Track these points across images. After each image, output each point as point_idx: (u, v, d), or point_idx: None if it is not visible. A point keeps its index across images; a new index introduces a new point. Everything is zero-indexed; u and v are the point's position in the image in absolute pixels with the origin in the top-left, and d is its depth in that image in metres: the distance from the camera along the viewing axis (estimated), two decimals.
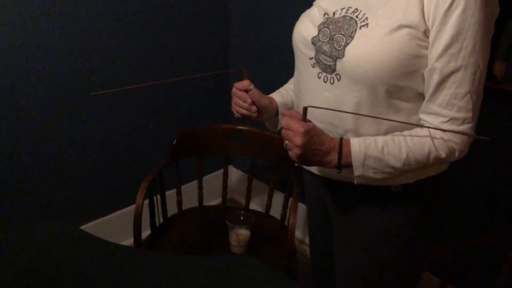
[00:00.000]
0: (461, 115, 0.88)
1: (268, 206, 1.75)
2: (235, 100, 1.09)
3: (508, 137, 1.47)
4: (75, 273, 1.00)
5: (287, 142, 0.91)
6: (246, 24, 2.17)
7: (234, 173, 2.55)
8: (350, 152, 0.90)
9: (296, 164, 0.96)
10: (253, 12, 2.12)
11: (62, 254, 1.06)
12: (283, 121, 0.92)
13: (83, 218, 2.01)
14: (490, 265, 1.39)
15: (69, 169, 1.90)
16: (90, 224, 2.02)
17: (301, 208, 1.57)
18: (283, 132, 0.92)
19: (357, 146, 0.90)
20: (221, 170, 1.82)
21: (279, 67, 2.03)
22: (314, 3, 1.06)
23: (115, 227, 2.07)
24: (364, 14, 0.92)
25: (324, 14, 0.99)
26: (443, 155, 0.90)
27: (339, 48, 0.92)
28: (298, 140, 0.88)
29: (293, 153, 0.91)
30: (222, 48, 2.26)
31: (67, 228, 1.15)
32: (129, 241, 2.00)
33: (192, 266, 1.07)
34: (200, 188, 1.78)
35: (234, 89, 1.09)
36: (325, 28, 0.96)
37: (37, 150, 1.79)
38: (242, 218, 1.55)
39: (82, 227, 1.97)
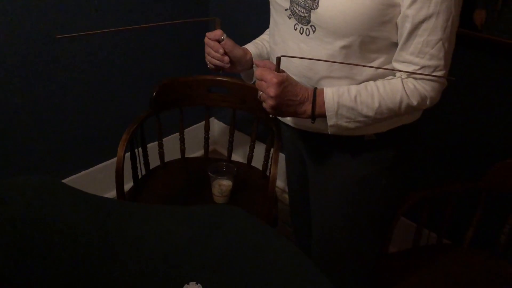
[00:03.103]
0: (433, 62, 0.91)
1: (250, 157, 1.80)
2: (207, 50, 1.10)
3: (487, 85, 1.51)
4: (58, 227, 1.03)
5: (261, 93, 0.94)
6: None
7: (216, 125, 2.58)
8: (323, 101, 0.94)
9: (270, 116, 0.99)
10: None
11: (44, 208, 1.08)
12: (257, 72, 0.94)
13: (64, 172, 2.05)
14: (464, 211, 1.47)
15: (47, 122, 1.92)
16: (71, 177, 2.07)
17: (282, 158, 1.61)
18: (257, 83, 0.94)
19: (331, 95, 0.93)
20: (203, 122, 1.85)
21: (259, 17, 2.01)
22: None
23: (97, 180, 2.11)
24: None
25: None
26: (414, 103, 0.94)
27: None
28: (272, 91, 0.91)
29: (267, 104, 0.93)
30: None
31: (48, 182, 1.17)
32: (111, 194, 2.05)
33: (175, 216, 1.11)
34: (182, 140, 1.81)
35: (206, 39, 1.10)
36: None
37: (12, 103, 1.79)
38: (224, 169, 1.60)
39: (63, 181, 2.00)
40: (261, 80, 0.93)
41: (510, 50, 1.40)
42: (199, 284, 0.88)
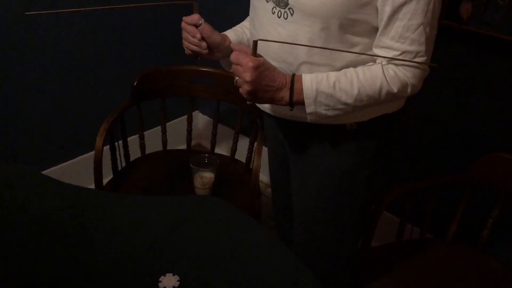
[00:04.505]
0: (413, 48, 0.91)
1: (234, 150, 1.79)
2: (184, 35, 1.09)
3: (472, 78, 1.52)
4: (29, 215, 1.01)
5: (237, 78, 0.92)
6: None
7: (201, 119, 2.57)
8: (302, 88, 0.93)
9: (247, 102, 0.98)
10: None
11: (19, 197, 1.06)
12: (232, 56, 0.93)
13: (42, 164, 2.02)
14: (448, 205, 1.48)
15: (23, 112, 1.89)
16: (49, 170, 2.04)
17: (266, 151, 1.61)
18: (233, 67, 0.93)
19: (309, 82, 0.93)
20: (187, 116, 1.83)
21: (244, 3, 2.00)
22: None
23: (77, 173, 2.08)
24: None
25: None
26: (395, 90, 0.94)
27: None
28: (248, 76, 0.90)
29: (243, 89, 0.93)
30: None
31: (21, 170, 1.15)
32: (91, 187, 2.01)
33: (153, 206, 1.10)
34: (163, 131, 1.80)
35: (183, 23, 1.08)
36: None
37: None
38: (206, 161, 1.59)
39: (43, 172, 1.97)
40: (237, 64, 0.92)
41: (496, 43, 1.42)
42: (176, 276, 0.86)
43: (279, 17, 0.98)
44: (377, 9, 0.91)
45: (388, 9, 0.89)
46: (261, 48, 0.97)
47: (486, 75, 1.49)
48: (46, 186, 1.11)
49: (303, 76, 0.94)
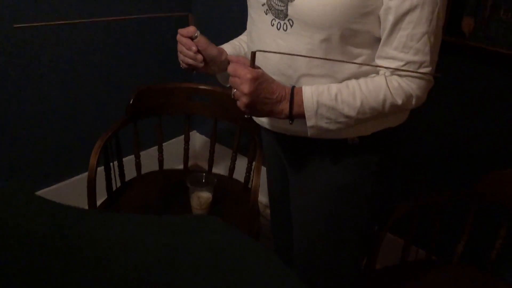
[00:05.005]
0: (418, 58, 0.89)
1: (232, 169, 1.75)
2: (179, 47, 1.07)
3: (476, 93, 1.50)
4: (22, 235, 0.97)
5: (235, 90, 0.90)
6: None
7: (198, 139, 2.54)
8: (302, 100, 0.91)
9: (245, 116, 0.95)
10: None
11: (9, 215, 1.03)
12: (230, 67, 0.90)
13: (34, 186, 1.97)
14: (453, 224, 1.44)
15: (15, 131, 1.85)
16: (42, 191, 1.99)
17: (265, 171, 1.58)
18: (230, 79, 0.91)
19: (309, 94, 0.90)
20: (183, 136, 1.80)
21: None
22: None
23: (70, 195, 2.04)
24: None
25: None
26: (399, 101, 0.91)
27: None
28: (246, 88, 0.87)
29: (241, 102, 0.90)
30: None
31: (11, 187, 1.11)
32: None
33: (147, 225, 1.06)
34: (160, 150, 1.77)
35: (178, 36, 1.06)
36: None
37: None
38: (204, 180, 1.55)
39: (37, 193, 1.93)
40: (235, 76, 0.89)
41: (499, 58, 1.40)
42: None
43: (278, 29, 0.96)
44: (379, 18, 0.89)
45: (391, 18, 0.87)
46: (260, 61, 0.95)
47: (490, 90, 1.47)
48: (30, 202, 1.07)
49: (303, 88, 0.92)
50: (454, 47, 1.45)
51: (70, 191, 2.05)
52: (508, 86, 1.44)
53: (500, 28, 1.39)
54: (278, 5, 0.94)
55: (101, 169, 1.53)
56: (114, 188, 1.65)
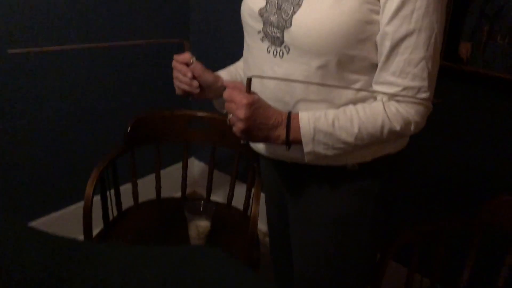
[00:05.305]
0: (416, 83, 0.88)
1: (230, 197, 1.73)
2: (175, 74, 1.07)
3: (474, 118, 1.50)
4: (14, 270, 0.94)
5: (231, 116, 0.89)
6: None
7: (196, 166, 2.52)
8: (298, 126, 0.90)
9: (241, 142, 0.94)
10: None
11: None
12: (225, 93, 0.90)
13: (29, 216, 1.94)
14: (458, 252, 1.41)
15: (11, 160, 1.83)
16: (37, 221, 1.96)
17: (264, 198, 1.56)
18: (226, 105, 0.90)
19: (306, 119, 0.89)
20: (182, 163, 1.79)
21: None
22: None
23: (65, 224, 2.00)
24: None
25: None
26: (397, 127, 0.90)
27: (286, 18, 0.91)
28: (242, 113, 0.86)
29: (237, 127, 0.89)
30: (181, 22, 2.22)
31: (1, 221, 1.09)
32: (80, 239, 1.94)
33: (143, 256, 1.03)
34: (158, 178, 1.74)
35: (173, 62, 1.07)
36: None
37: None
38: (202, 208, 1.53)
39: (30, 225, 1.89)
40: (230, 101, 0.88)
41: (497, 82, 1.40)
42: None
43: (274, 56, 0.96)
44: (376, 44, 0.89)
45: (387, 44, 0.87)
46: (256, 88, 0.94)
47: (490, 115, 1.47)
48: (26, 235, 1.04)
49: (300, 114, 0.91)
50: (452, 72, 1.46)
51: (65, 221, 2.01)
52: (507, 110, 1.43)
53: (497, 53, 1.39)
54: (274, 32, 0.94)
55: (97, 198, 1.51)
56: (110, 218, 1.63)
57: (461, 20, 1.42)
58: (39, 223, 1.94)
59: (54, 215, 2.01)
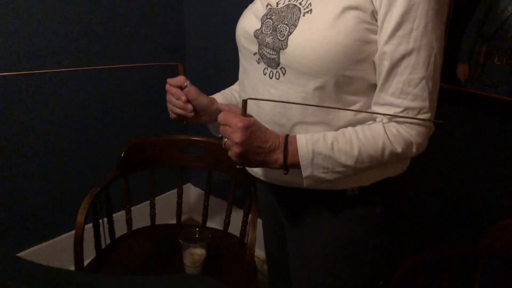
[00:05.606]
0: (416, 104, 0.86)
1: (227, 223, 1.69)
2: (168, 97, 1.05)
3: (474, 140, 1.48)
4: None
5: (226, 139, 0.86)
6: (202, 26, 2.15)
7: (193, 192, 2.49)
8: (296, 149, 0.87)
9: (238, 166, 0.91)
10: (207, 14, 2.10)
11: None
12: (220, 116, 0.87)
13: (19, 245, 1.89)
14: (461, 279, 1.37)
15: (1, 187, 1.78)
16: (27, 251, 1.91)
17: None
18: (221, 128, 0.88)
19: (304, 142, 0.87)
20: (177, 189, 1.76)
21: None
22: None
23: (56, 254, 1.95)
24: (308, 0, 0.89)
25: (267, 6, 0.97)
26: (399, 149, 0.87)
27: (282, 39, 0.90)
28: (237, 137, 0.84)
29: (232, 152, 0.86)
30: (177, 43, 2.22)
31: None
32: (70, 269, 1.88)
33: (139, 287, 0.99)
34: (152, 204, 1.71)
35: (167, 85, 1.05)
36: (268, 20, 0.95)
37: None
38: (197, 235, 1.49)
39: (20, 254, 1.84)
40: (225, 125, 0.86)
41: (495, 104, 1.38)
42: None
43: (271, 78, 0.94)
44: (374, 64, 0.87)
45: (386, 64, 0.85)
46: (252, 111, 0.92)
47: (489, 137, 1.45)
48: (15, 267, 1.00)
49: (297, 136, 0.88)
50: (450, 94, 1.44)
51: (57, 251, 1.96)
52: (506, 131, 1.41)
53: (495, 74, 1.38)
54: (270, 54, 0.93)
55: (89, 226, 1.47)
56: (103, 246, 1.59)
57: (458, 41, 1.42)
58: (29, 253, 1.88)
59: (45, 244, 1.96)
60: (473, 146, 1.49)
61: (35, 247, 1.93)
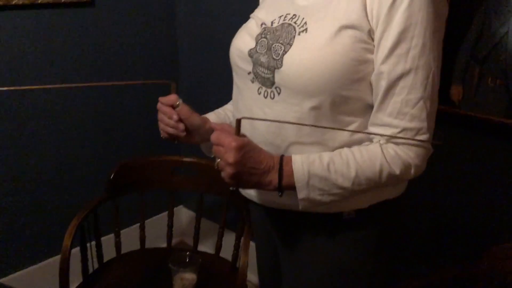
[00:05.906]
0: (414, 124, 0.84)
1: (219, 247, 1.66)
2: (160, 116, 1.03)
3: (468, 162, 1.47)
4: None
5: (219, 160, 0.84)
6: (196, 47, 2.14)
7: (185, 214, 2.45)
8: (292, 170, 0.85)
9: (231, 188, 0.88)
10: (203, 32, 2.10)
11: None
12: (213, 136, 0.85)
13: (7, 269, 1.82)
14: None
15: None
16: (10, 277, 1.84)
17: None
18: (214, 148, 0.85)
19: (300, 163, 0.84)
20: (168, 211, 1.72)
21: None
22: (251, 15, 1.04)
23: (42, 280, 1.89)
24: (303, 19, 0.90)
25: (262, 25, 0.96)
26: (397, 171, 0.85)
27: (276, 58, 0.88)
28: (231, 157, 0.81)
29: (226, 173, 0.84)
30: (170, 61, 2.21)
31: None
32: None
33: None
34: (142, 227, 1.67)
35: (158, 104, 1.03)
36: (262, 39, 0.93)
37: None
38: (187, 260, 1.45)
39: (4, 279, 1.79)
40: (218, 145, 0.84)
41: (489, 125, 1.38)
42: None
43: (265, 97, 0.92)
44: (371, 85, 0.86)
45: (383, 84, 0.83)
46: (247, 131, 0.90)
47: (484, 158, 1.44)
48: None
49: (293, 157, 0.86)
50: (444, 116, 1.44)
51: (43, 275, 1.90)
52: (500, 153, 1.41)
53: (488, 95, 1.38)
54: (265, 73, 0.91)
55: (77, 249, 1.43)
56: (90, 271, 1.54)
57: (451, 63, 1.42)
58: (12, 279, 1.82)
59: (30, 269, 1.90)
60: (468, 166, 1.48)
61: (20, 272, 1.87)
